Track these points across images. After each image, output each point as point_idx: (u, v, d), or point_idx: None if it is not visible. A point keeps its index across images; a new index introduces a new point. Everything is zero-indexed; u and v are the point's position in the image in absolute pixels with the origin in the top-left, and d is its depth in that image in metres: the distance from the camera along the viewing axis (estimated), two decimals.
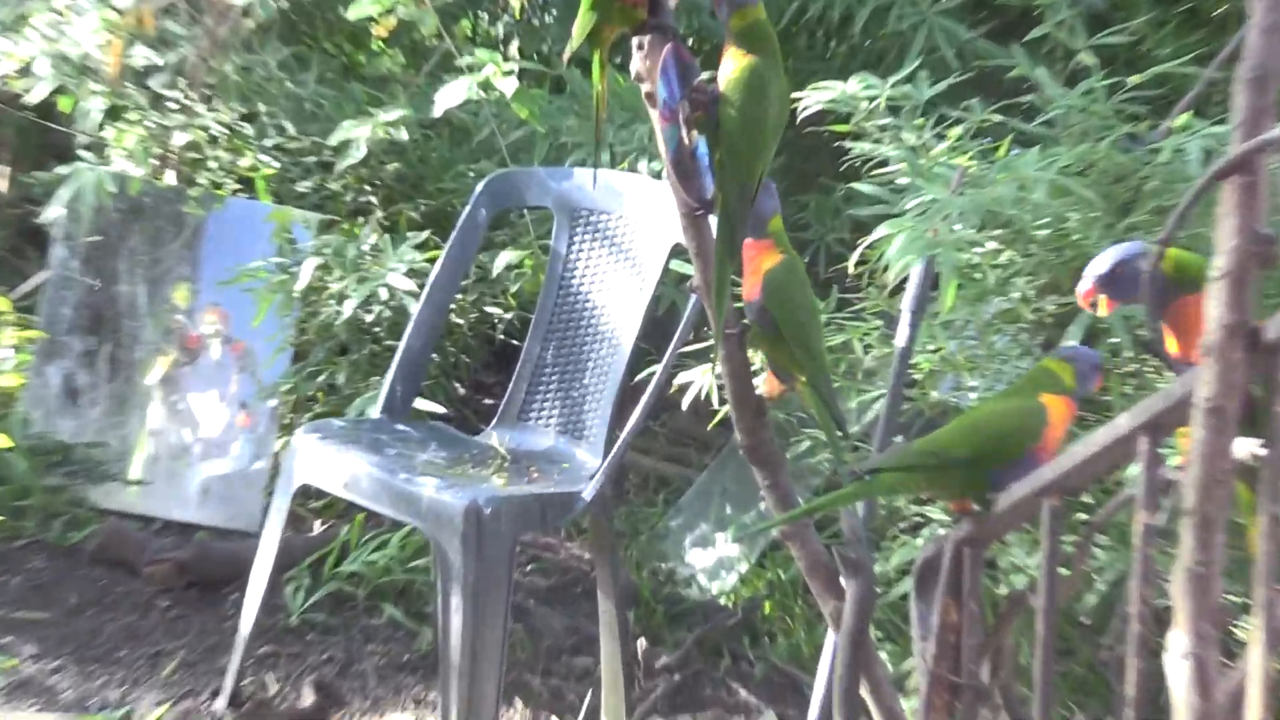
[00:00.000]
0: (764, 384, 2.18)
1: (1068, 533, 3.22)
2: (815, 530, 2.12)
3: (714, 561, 4.67)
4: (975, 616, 1.86)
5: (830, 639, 3.22)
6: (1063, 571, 2.36)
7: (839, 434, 2.08)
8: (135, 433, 4.59)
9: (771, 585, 4.51)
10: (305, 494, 4.66)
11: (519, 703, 3.85)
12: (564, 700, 3.92)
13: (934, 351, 3.44)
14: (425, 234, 4.37)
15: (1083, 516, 3.28)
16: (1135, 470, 1.88)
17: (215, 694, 3.66)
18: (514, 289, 4.50)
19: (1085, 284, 1.84)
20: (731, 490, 4.82)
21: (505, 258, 4.50)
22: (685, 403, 3.63)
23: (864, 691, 2.05)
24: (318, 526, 4.62)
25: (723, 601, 4.53)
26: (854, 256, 3.47)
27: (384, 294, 4.40)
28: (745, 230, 2.03)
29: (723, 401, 3.56)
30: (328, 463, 3.43)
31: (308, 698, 3.69)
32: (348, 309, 4.37)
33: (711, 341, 3.45)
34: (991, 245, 3.30)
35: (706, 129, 1.96)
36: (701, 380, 3.58)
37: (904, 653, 3.73)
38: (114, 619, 3.96)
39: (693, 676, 4.12)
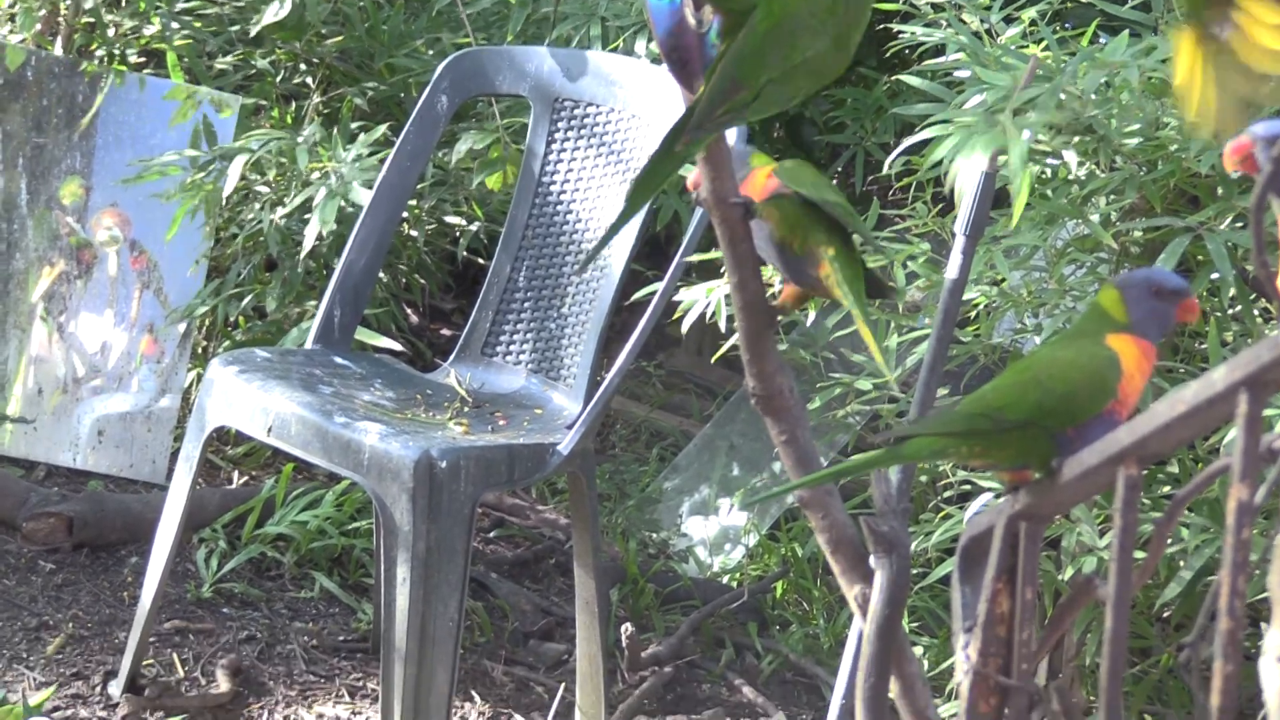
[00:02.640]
0: (781, 295, 2.20)
1: (1147, 509, 3.25)
2: (841, 498, 2.15)
3: (716, 532, 4.71)
4: (1031, 606, 1.89)
5: (855, 629, 3.25)
6: (1139, 555, 2.39)
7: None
8: (14, 360, 4.60)
9: (785, 563, 4.54)
10: (221, 439, 4.68)
11: (476, 696, 3.89)
12: (531, 694, 3.97)
13: (993, 284, 3.45)
14: (381, 129, 4.36)
15: (1166, 490, 3.31)
16: (1232, 435, 1.89)
17: (110, 676, 3.69)
18: (477, 184, 4.49)
19: (1241, 139, 1.83)
20: (739, 447, 4.85)
21: (466, 143, 4.48)
22: (685, 325, 3.63)
23: (893, 693, 2.08)
24: (236, 479, 4.64)
25: (726, 581, 4.57)
26: (891, 158, 3.48)
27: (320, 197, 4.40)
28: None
29: (731, 330, 3.57)
30: (249, 401, 3.45)
31: (222, 683, 3.73)
32: (279, 216, 4.37)
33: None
34: (1068, 155, 3.30)
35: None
36: (707, 301, 3.59)
37: (942, 649, 3.77)
38: None
39: (687, 670, 4.16)
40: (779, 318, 2.15)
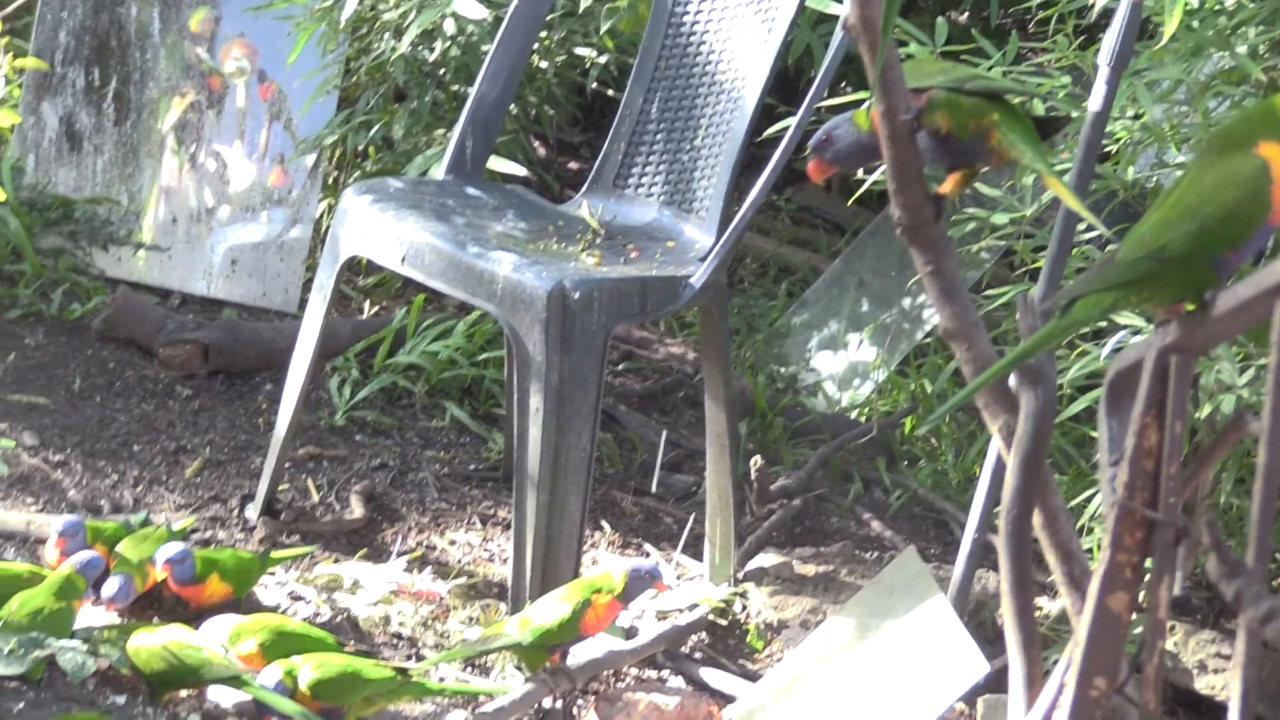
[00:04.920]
0: (945, 185, 2.20)
1: None
2: (986, 329, 2.14)
3: (846, 367, 4.71)
4: (1179, 440, 1.88)
5: (988, 464, 3.26)
6: None
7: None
8: (147, 189, 4.66)
9: (914, 399, 4.54)
10: (353, 268, 4.73)
11: (606, 525, 3.94)
12: (660, 525, 4.01)
13: (1134, 118, 3.40)
14: None
15: None
16: None
17: (247, 500, 3.77)
18: (608, 26, 4.47)
19: None
20: (869, 282, 4.83)
21: None
22: None
23: (1035, 526, 2.08)
24: (367, 309, 4.69)
25: (854, 416, 4.57)
26: None
27: (450, 27, 4.40)
28: None
29: (869, 170, 3.55)
30: (382, 231, 3.47)
31: (356, 509, 3.80)
32: (405, 44, 4.37)
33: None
34: None
35: None
36: None
37: (1074, 485, 3.77)
38: (126, 408, 4.07)
39: (815, 503, 4.19)
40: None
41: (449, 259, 3.36)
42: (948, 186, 2.19)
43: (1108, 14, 3.18)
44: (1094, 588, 1.89)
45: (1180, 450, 1.89)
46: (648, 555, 3.84)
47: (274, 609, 3.41)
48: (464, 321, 4.35)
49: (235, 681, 3.05)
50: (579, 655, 3.31)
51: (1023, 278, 4.01)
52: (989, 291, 3.61)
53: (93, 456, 3.85)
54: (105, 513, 3.64)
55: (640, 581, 3.24)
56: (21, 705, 2.98)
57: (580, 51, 4.71)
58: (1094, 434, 3.92)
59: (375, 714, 3.12)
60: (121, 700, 3.07)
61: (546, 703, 3.25)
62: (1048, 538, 2.04)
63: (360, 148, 4.67)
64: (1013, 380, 2.09)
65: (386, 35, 4.51)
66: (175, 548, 3.24)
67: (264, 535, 3.64)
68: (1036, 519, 2.04)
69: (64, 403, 4.04)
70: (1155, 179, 3.54)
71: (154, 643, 3.05)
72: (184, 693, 3.10)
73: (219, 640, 3.14)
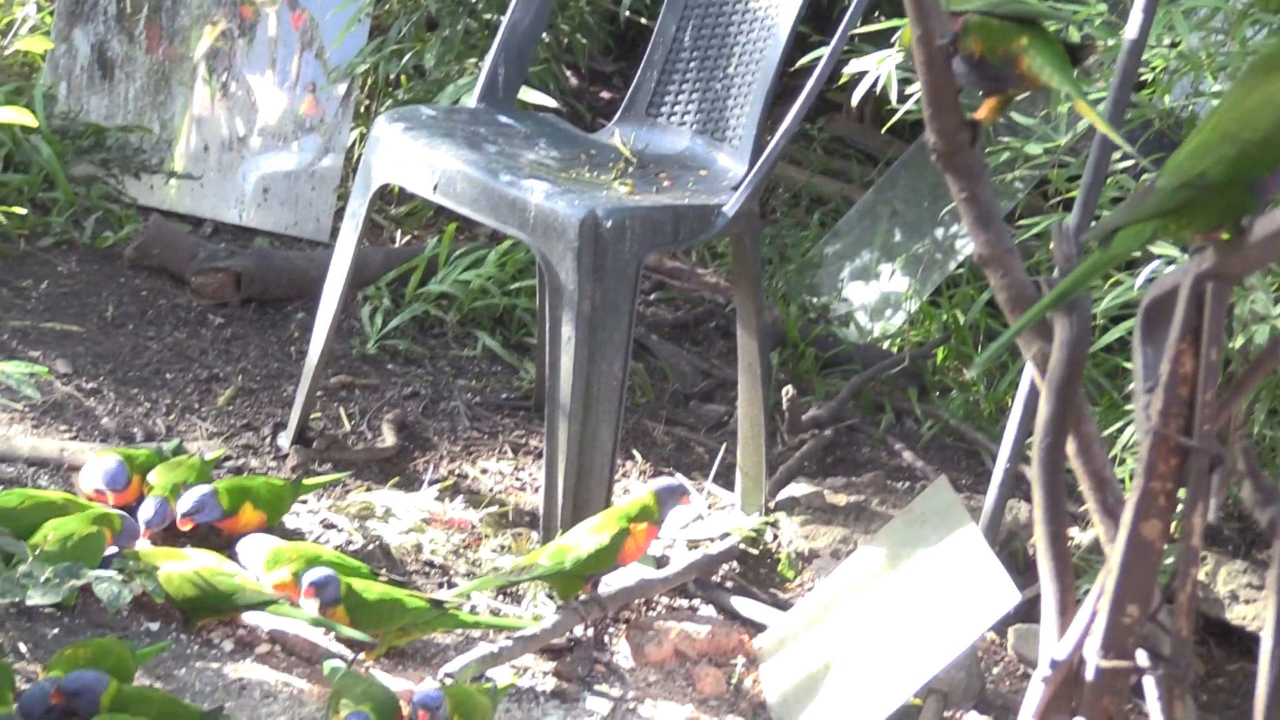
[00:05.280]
0: (980, 110, 2.18)
1: None
2: (1020, 256, 2.13)
3: (878, 297, 4.70)
4: (1214, 367, 1.87)
5: (1020, 394, 3.25)
6: None
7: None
8: (179, 118, 4.66)
9: (946, 329, 4.53)
10: (385, 197, 4.73)
11: (638, 455, 3.94)
12: (691, 454, 4.01)
13: (1171, 46, 3.37)
14: None
15: None
16: None
17: (279, 428, 3.79)
18: None
19: None
20: (902, 212, 4.81)
21: None
22: (856, 96, 3.60)
23: (1069, 454, 2.07)
24: (399, 238, 4.69)
25: (886, 346, 4.57)
26: None
27: None
28: None
29: (902, 99, 3.53)
30: (414, 159, 3.47)
31: (388, 437, 3.81)
32: None
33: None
34: None
35: None
36: (878, 71, 3.54)
37: (1106, 416, 3.76)
38: (158, 336, 4.08)
39: (846, 433, 4.19)
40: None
41: (481, 187, 3.36)
42: (983, 112, 2.17)
43: None
44: (1127, 515, 1.88)
45: (1215, 377, 1.88)
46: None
47: (306, 537, 3.43)
48: (496, 250, 4.35)
49: (269, 607, 3.06)
50: (610, 584, 3.32)
51: (1057, 208, 4.00)
52: (1022, 221, 3.59)
53: (125, 384, 3.87)
54: (138, 440, 3.65)
55: (670, 499, 3.25)
56: (56, 631, 3.01)
57: None
58: (1127, 365, 3.91)
59: (408, 642, 3.14)
60: (155, 627, 3.10)
61: (578, 631, 3.27)
62: (1081, 465, 2.03)
63: (392, 76, 4.66)
64: None
65: None
66: (194, 497, 3.23)
67: (296, 463, 3.66)
68: (1070, 446, 2.03)
69: (96, 330, 4.06)
70: (1191, 108, 3.51)
71: (186, 570, 3.06)
72: (218, 620, 3.12)
73: (254, 563, 3.15)
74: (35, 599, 2.60)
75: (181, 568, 3.07)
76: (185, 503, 3.21)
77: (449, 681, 2.96)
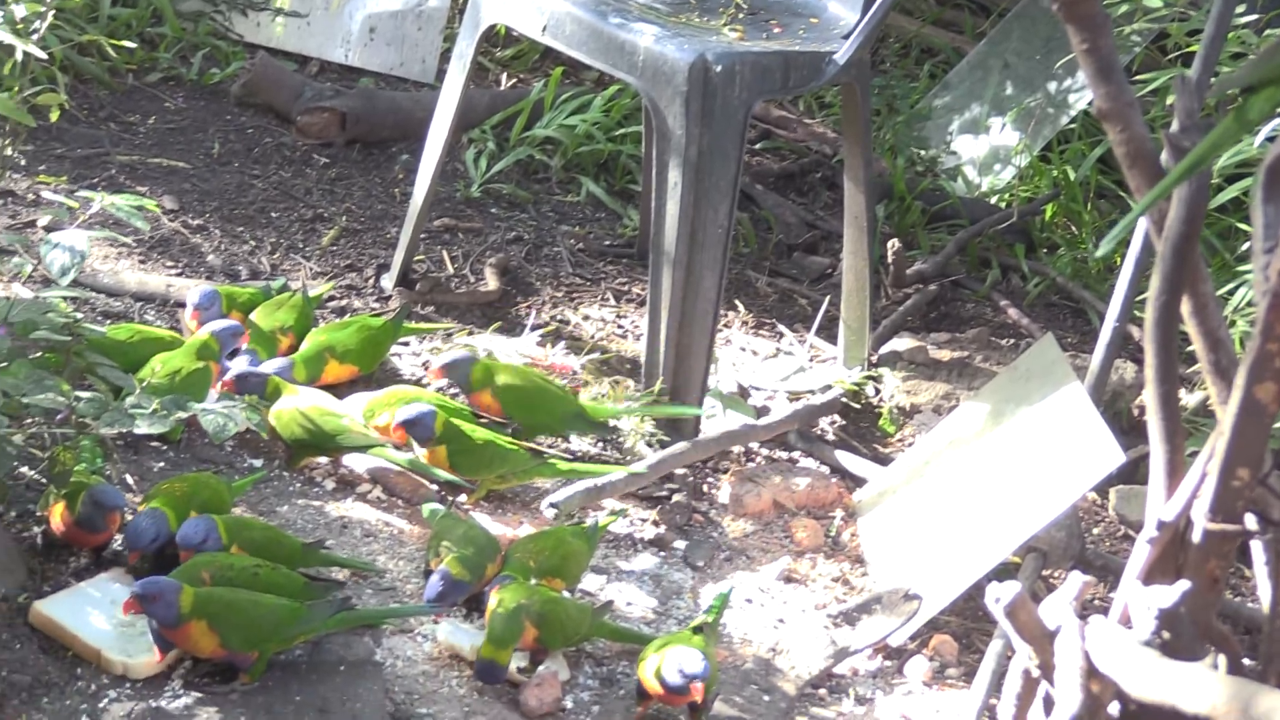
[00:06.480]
0: None
1: None
2: (1140, 110, 2.08)
3: (987, 151, 4.64)
4: None
5: (1131, 252, 3.20)
6: None
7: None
8: None
9: (1056, 185, 4.47)
10: (491, 39, 4.70)
11: (740, 305, 3.93)
12: (794, 305, 4.00)
13: None
14: None
15: None
16: None
17: (383, 269, 3.80)
18: None
19: None
20: (1014, 65, 4.74)
21: None
22: None
23: (1183, 314, 2.04)
24: (505, 81, 4.67)
25: (995, 201, 4.52)
26: None
27: None
28: None
29: None
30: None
31: (491, 281, 3.81)
32: None
33: None
34: None
35: None
36: None
37: (1218, 278, 3.70)
38: (264, 174, 4.10)
39: (951, 288, 4.15)
40: None
41: (590, 29, 3.33)
42: None
43: None
44: (1241, 376, 1.85)
45: None
46: (781, 336, 3.84)
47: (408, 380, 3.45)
48: (601, 96, 4.33)
49: (372, 449, 3.09)
50: (712, 428, 3.33)
51: (1175, 63, 3.92)
52: (1140, 76, 3.52)
53: (230, 222, 3.89)
54: (243, 278, 3.67)
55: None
56: (161, 464, 3.05)
57: None
58: (1241, 225, 3.85)
59: (507, 488, 3.16)
60: (258, 464, 3.13)
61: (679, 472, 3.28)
62: (1196, 325, 2.00)
63: None
64: (1165, 161, 2.04)
65: None
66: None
67: (398, 305, 3.67)
68: (1185, 306, 2.00)
69: (203, 167, 4.08)
70: None
71: (295, 407, 3.09)
72: (320, 459, 3.15)
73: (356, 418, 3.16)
74: (142, 428, 2.62)
75: (291, 404, 3.09)
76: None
77: (553, 513, 2.99)
